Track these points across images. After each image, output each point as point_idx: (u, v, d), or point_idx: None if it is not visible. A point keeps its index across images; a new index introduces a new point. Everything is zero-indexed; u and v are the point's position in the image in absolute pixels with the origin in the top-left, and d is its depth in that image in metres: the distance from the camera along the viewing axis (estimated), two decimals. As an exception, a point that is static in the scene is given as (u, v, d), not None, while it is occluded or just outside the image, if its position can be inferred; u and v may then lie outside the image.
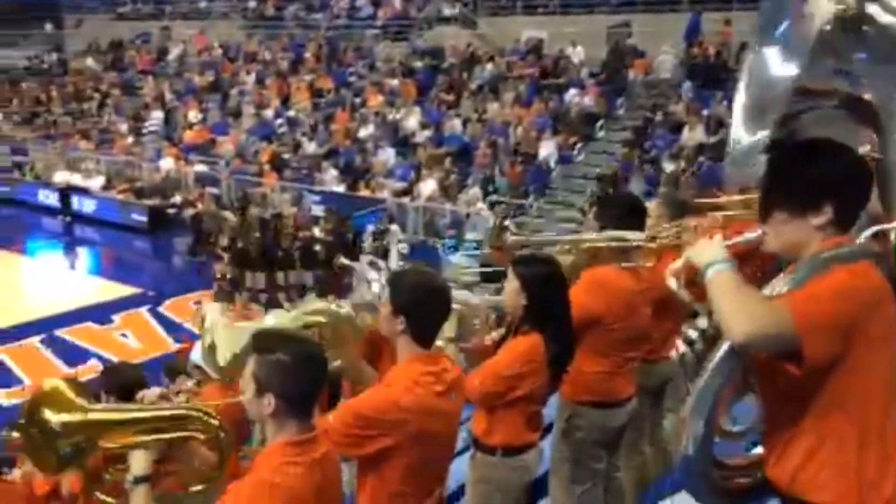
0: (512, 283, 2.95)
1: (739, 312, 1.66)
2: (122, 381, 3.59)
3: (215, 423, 2.21)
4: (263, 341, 2.13)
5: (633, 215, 3.33)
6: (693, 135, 13.67)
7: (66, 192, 18.10)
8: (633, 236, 3.19)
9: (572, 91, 16.21)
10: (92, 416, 2.15)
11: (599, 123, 15.55)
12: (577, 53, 17.22)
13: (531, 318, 2.93)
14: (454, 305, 2.90)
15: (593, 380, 3.23)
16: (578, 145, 15.21)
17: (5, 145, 21.56)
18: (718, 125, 13.18)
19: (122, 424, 2.19)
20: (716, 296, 1.71)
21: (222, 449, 2.23)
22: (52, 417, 2.11)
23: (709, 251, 1.79)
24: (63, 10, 28.99)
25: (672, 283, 1.90)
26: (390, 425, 2.32)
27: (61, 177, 18.25)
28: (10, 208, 19.21)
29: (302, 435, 2.07)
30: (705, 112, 14.19)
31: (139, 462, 2.12)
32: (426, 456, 2.42)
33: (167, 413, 2.23)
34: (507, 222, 3.69)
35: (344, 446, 2.34)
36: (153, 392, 3.11)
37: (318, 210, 14.61)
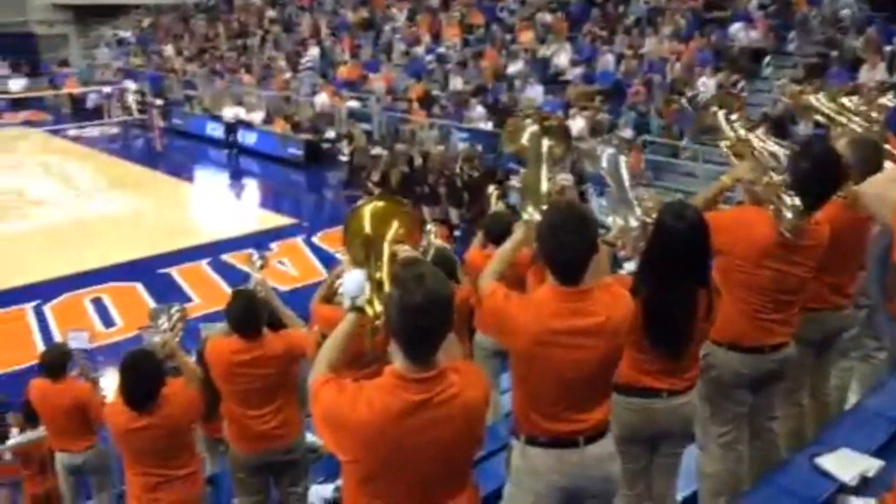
0: (649, 225, 2.85)
1: None
2: (234, 309, 3.99)
3: (372, 313, 2.38)
4: (402, 269, 2.18)
5: (821, 178, 2.96)
6: (873, 74, 12.46)
7: (233, 126, 19.04)
8: (788, 202, 2.92)
9: (737, 24, 15.15)
10: (379, 242, 2.45)
11: (766, 60, 14.49)
12: (745, -17, 16.02)
13: (639, 267, 2.84)
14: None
15: (728, 319, 3.04)
16: (741, 83, 14.27)
17: (178, 80, 23.09)
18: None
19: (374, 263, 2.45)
20: None
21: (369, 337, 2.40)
22: (365, 226, 2.48)
23: None
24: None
25: None
26: (506, 330, 2.47)
27: (230, 112, 19.13)
28: (182, 139, 20.64)
29: (408, 372, 2.09)
30: (888, 49, 12.87)
31: (361, 297, 2.38)
32: (539, 378, 2.48)
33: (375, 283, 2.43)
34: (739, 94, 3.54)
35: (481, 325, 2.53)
36: None
37: (463, 147, 14.67)
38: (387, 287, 2.32)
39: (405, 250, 2.41)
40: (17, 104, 23.68)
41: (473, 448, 2.30)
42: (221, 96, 21.06)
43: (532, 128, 2.87)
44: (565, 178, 2.90)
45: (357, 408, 2.06)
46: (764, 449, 3.38)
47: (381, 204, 2.54)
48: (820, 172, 2.97)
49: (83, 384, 5.39)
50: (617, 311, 2.49)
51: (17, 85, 23.40)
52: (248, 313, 3.98)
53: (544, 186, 2.80)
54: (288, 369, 4.11)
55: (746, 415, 3.25)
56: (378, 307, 2.34)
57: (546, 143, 2.84)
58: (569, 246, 2.40)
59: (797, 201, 2.92)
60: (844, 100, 3.95)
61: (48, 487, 5.91)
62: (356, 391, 2.11)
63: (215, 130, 19.96)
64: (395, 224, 2.47)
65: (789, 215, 2.91)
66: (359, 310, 2.36)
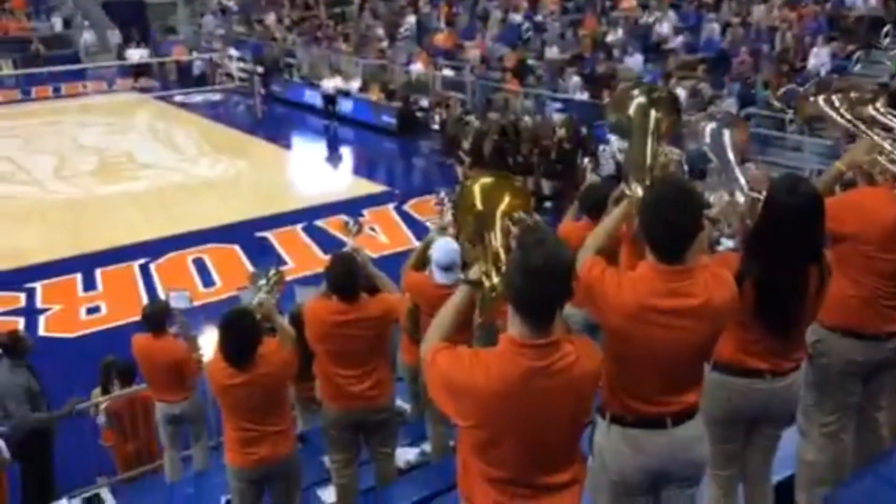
0: (757, 201, 2.73)
1: None
2: (334, 272, 4.08)
3: (490, 283, 2.34)
4: (525, 234, 2.20)
5: None
6: None
7: (332, 97, 19.16)
8: None
9: (856, -9, 14.28)
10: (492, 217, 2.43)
11: (885, 30, 13.59)
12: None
13: (745, 242, 2.71)
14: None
15: (845, 305, 2.91)
16: (857, 55, 13.45)
17: (279, 48, 23.59)
18: None
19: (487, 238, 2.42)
20: None
21: (483, 306, 2.39)
22: (477, 202, 2.46)
23: None
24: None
25: None
26: (599, 305, 2.39)
27: (329, 83, 19.21)
28: (282, 107, 21.14)
29: (526, 338, 2.08)
30: None
31: (475, 271, 2.38)
32: (630, 357, 2.42)
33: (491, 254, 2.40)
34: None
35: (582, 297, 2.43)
36: None
37: (558, 117, 14.44)
38: (503, 259, 2.32)
39: (520, 218, 2.38)
40: (129, 71, 24.72)
41: (585, 419, 2.29)
42: (320, 65, 21.42)
43: (640, 98, 2.77)
44: (673, 153, 2.77)
45: (475, 373, 2.08)
46: (867, 439, 3.25)
47: (489, 180, 2.52)
48: None
49: (180, 343, 5.64)
50: (718, 295, 2.39)
51: (135, 55, 24.28)
52: (348, 276, 4.07)
53: (649, 160, 2.70)
54: (383, 332, 4.24)
55: (855, 405, 3.10)
56: (495, 279, 2.33)
57: (654, 115, 2.73)
58: (673, 223, 2.31)
59: None
60: None
61: (139, 446, 6.20)
62: (473, 357, 2.13)
63: (313, 98, 20.33)
64: (507, 197, 2.44)
65: None
66: (473, 283, 2.36)
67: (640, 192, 2.60)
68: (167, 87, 23.70)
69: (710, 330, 2.44)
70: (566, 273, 2.07)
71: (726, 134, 3.01)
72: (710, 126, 3.05)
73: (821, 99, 3.36)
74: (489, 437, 2.14)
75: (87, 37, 26.31)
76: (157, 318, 5.58)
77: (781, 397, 2.86)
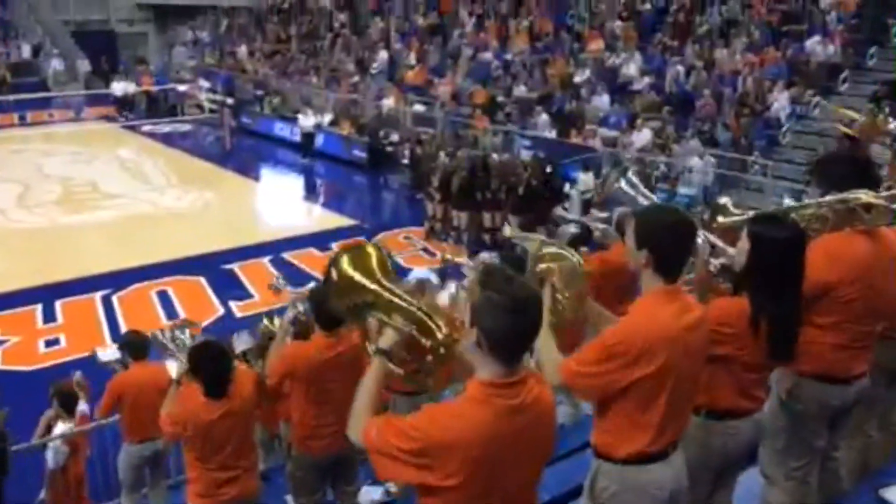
0: (742, 242, 2.74)
1: None
2: (325, 305, 3.90)
3: (440, 338, 2.26)
4: (487, 276, 2.13)
5: (857, 172, 2.97)
6: (959, 91, 11.95)
7: (311, 134, 18.71)
8: (863, 195, 2.85)
9: (815, 38, 14.72)
10: (372, 286, 2.32)
11: (844, 75, 14.04)
12: (825, -4, 15.57)
13: (746, 284, 2.73)
14: None
15: (821, 351, 2.96)
16: (816, 99, 13.86)
17: (249, 80, 23.64)
18: None
19: (390, 304, 2.32)
20: None
21: (435, 363, 2.30)
22: (348, 271, 2.33)
23: None
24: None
25: None
26: (637, 354, 2.34)
27: (307, 120, 18.74)
28: (252, 139, 21.11)
29: (500, 378, 2.04)
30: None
31: (387, 338, 2.29)
32: (675, 388, 2.40)
33: (419, 315, 2.30)
34: (724, 200, 3.42)
35: (598, 388, 2.40)
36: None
37: (527, 155, 14.61)
38: (431, 318, 2.27)
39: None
40: (95, 100, 24.53)
41: (552, 452, 2.28)
42: (291, 98, 21.48)
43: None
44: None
45: (450, 426, 2.00)
46: (828, 480, 3.27)
47: (346, 254, 2.36)
48: (850, 170, 2.97)
49: (165, 369, 5.47)
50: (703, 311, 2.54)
51: (119, 89, 23.94)
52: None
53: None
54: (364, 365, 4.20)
55: (822, 448, 3.15)
56: (440, 332, 2.25)
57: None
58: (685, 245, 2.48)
59: (867, 191, 2.87)
60: None
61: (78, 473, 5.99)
62: (437, 412, 2.06)
63: (283, 131, 20.34)
64: (373, 258, 2.35)
65: (875, 200, 2.86)
66: (384, 353, 2.28)
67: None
68: (136, 117, 23.54)
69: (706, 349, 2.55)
70: (540, 307, 2.09)
71: (630, 178, 3.15)
72: (619, 183, 3.19)
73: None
74: (475, 489, 2.05)
75: (56, 65, 26.14)
76: (141, 345, 5.45)
77: (759, 433, 2.94)
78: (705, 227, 3.21)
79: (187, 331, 4.84)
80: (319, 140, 19.04)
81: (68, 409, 5.91)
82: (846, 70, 14.10)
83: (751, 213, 3.22)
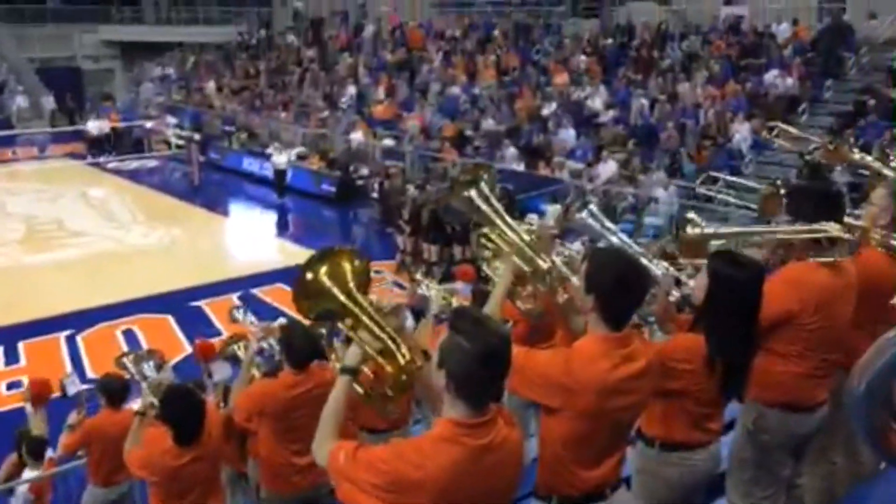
0: (702, 278, 2.78)
1: None
2: (297, 342, 3.97)
3: (402, 364, 2.24)
4: (458, 319, 2.11)
5: (829, 206, 3.04)
6: (912, 122, 12.33)
7: (284, 171, 18.32)
8: (831, 228, 2.92)
9: (773, 72, 15.14)
10: (341, 297, 2.29)
11: (802, 107, 14.42)
12: (781, 31, 16.04)
13: (704, 320, 2.76)
14: None
15: (783, 380, 3.01)
16: (776, 130, 14.17)
17: (217, 115, 23.61)
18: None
19: (357, 320, 2.30)
20: None
21: (395, 390, 2.28)
22: (321, 277, 2.31)
23: None
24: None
25: None
26: (560, 389, 2.36)
27: (280, 158, 18.31)
28: (219, 174, 21.01)
29: (469, 418, 2.04)
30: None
31: (353, 356, 2.27)
32: (597, 430, 2.41)
33: (383, 337, 2.28)
34: (691, 215, 3.49)
35: (519, 385, 2.42)
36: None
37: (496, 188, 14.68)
38: (402, 341, 2.26)
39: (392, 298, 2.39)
40: (61, 137, 24.27)
41: (517, 490, 2.27)
42: (260, 133, 21.47)
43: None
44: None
45: (419, 464, 1.99)
46: (792, 507, 3.30)
47: (320, 260, 2.37)
48: (823, 204, 3.03)
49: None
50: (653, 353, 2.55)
51: (95, 128, 23.68)
52: (311, 346, 4.02)
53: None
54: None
55: (787, 477, 3.19)
56: (402, 359, 2.24)
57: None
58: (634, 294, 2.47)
59: (835, 225, 2.93)
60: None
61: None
62: (406, 448, 2.06)
63: (252, 165, 20.30)
64: (347, 267, 2.35)
65: (844, 235, 2.94)
66: (351, 371, 2.27)
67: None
68: (101, 154, 23.33)
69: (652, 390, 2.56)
70: (509, 349, 2.08)
71: (592, 210, 3.23)
72: (581, 214, 3.26)
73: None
74: None
75: (20, 102, 25.86)
76: (119, 391, 5.33)
77: (716, 464, 2.96)
78: (670, 257, 3.27)
79: (152, 362, 4.77)
80: (288, 174, 18.98)
81: (35, 456, 5.78)
82: (804, 102, 14.48)
83: (717, 229, 3.32)
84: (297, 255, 14.43)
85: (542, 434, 2.51)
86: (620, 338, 2.43)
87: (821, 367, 3.08)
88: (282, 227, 17.52)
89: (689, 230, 3.24)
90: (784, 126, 4.02)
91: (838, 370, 3.14)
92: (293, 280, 2.38)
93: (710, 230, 3.24)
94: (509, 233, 2.82)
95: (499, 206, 2.86)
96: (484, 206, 2.85)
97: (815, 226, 2.96)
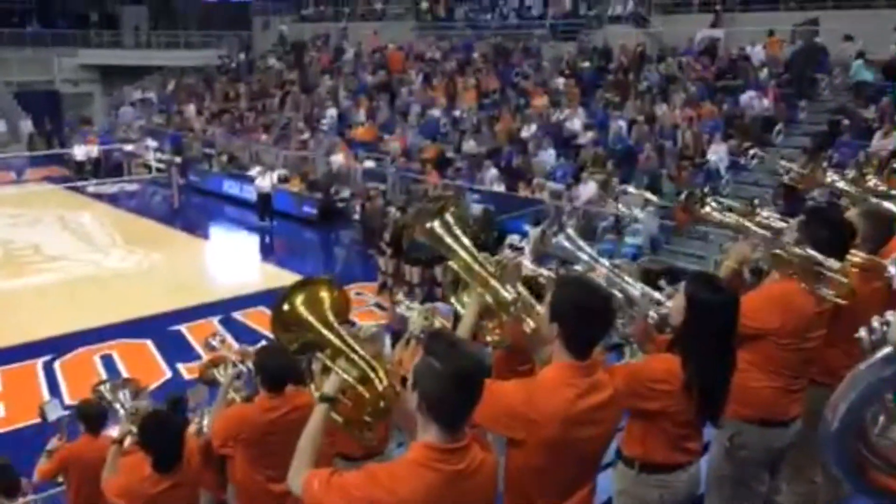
0: (679, 300, 2.79)
1: None
2: (272, 365, 3.93)
3: (380, 389, 2.24)
4: (432, 341, 2.12)
5: (841, 240, 3.07)
6: (885, 142, 12.54)
7: (268, 195, 18.06)
8: (835, 266, 2.97)
9: (749, 93, 15.36)
10: (318, 326, 2.31)
11: (777, 128, 14.64)
12: (756, 53, 16.31)
13: (681, 343, 2.77)
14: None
15: (760, 396, 3.04)
16: (752, 151, 14.37)
17: (197, 139, 23.55)
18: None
19: (335, 349, 2.30)
20: None
21: (374, 416, 2.29)
22: (298, 308, 2.31)
23: None
24: (252, 13, 31.23)
25: (893, 269, 1.79)
26: (523, 420, 2.34)
27: (264, 182, 18.10)
28: (200, 197, 20.92)
29: (443, 443, 2.03)
30: (900, 117, 13.02)
31: (331, 385, 2.26)
32: (562, 461, 2.40)
33: (361, 364, 2.28)
34: (707, 191, 3.54)
35: (481, 418, 2.38)
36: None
37: (477, 209, 14.76)
38: (381, 368, 2.27)
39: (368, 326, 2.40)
40: (38, 161, 24.10)
41: None
42: (240, 156, 21.44)
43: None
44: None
45: (393, 490, 1.98)
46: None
47: (299, 290, 2.38)
48: (837, 237, 3.05)
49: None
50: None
51: (81, 152, 23.37)
52: (286, 368, 3.97)
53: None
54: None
55: (764, 493, 3.20)
56: (380, 385, 2.24)
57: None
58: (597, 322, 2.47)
59: (838, 263, 2.96)
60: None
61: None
62: (381, 474, 2.04)
63: (232, 188, 20.24)
64: (325, 296, 2.36)
65: (842, 279, 2.96)
66: (329, 399, 2.27)
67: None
68: (80, 178, 23.18)
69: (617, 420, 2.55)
70: (485, 373, 2.09)
71: (568, 233, 3.27)
72: (558, 238, 3.30)
73: (712, 204, 3.59)
74: None
75: (-2, 126, 25.74)
76: (97, 418, 5.24)
77: (695, 485, 2.95)
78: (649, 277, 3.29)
79: (127, 391, 4.73)
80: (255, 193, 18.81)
81: (10, 493, 5.67)
82: (780, 123, 14.70)
83: (728, 217, 3.38)
84: (279, 277, 14.39)
85: (508, 466, 2.46)
86: (585, 366, 2.42)
87: (795, 383, 3.12)
88: (263, 250, 17.44)
89: (701, 208, 3.29)
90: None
91: (811, 385, 3.18)
92: (271, 313, 2.38)
93: (717, 214, 3.31)
94: (474, 265, 2.79)
95: (463, 237, 2.82)
96: (447, 239, 2.82)
97: (822, 259, 2.98)
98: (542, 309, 2.64)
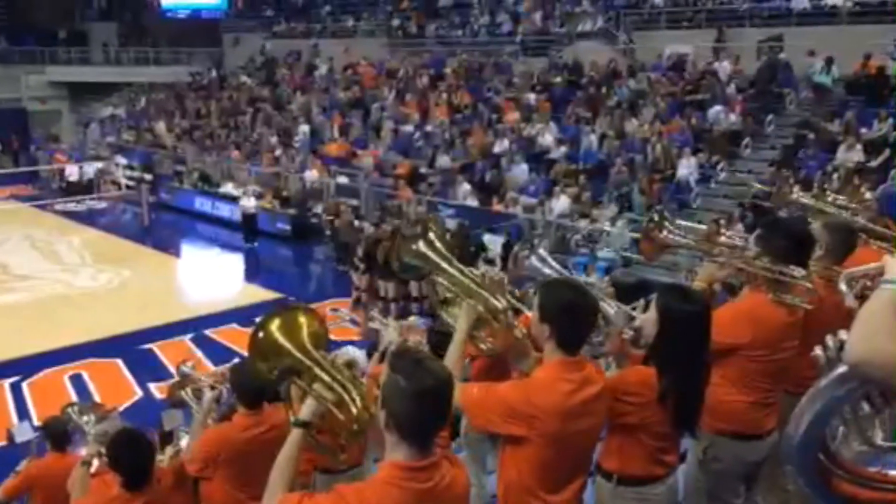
0: (651, 314, 2.82)
1: (866, 334, 1.53)
2: (247, 382, 3.87)
3: (354, 413, 2.25)
4: (397, 358, 2.12)
5: (799, 248, 3.13)
6: (850, 155, 12.81)
7: (253, 215, 17.73)
8: (798, 274, 3.03)
9: (717, 108, 15.61)
10: (296, 352, 2.32)
11: (745, 142, 14.89)
12: (723, 69, 16.60)
13: (654, 355, 2.79)
14: None
15: (733, 409, 3.08)
16: (721, 164, 14.62)
17: (168, 155, 23.36)
18: (882, 146, 12.29)
19: (312, 374, 2.31)
20: (865, 308, 1.58)
21: (348, 438, 2.31)
22: (274, 334, 2.32)
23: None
24: (222, 30, 31.11)
25: (843, 286, 1.82)
26: (524, 417, 2.46)
27: (249, 201, 17.82)
28: (170, 214, 20.72)
29: (412, 461, 2.02)
30: (863, 130, 13.30)
31: (308, 410, 2.27)
32: (562, 454, 2.52)
33: (336, 388, 2.28)
34: (667, 214, 3.57)
35: (482, 421, 2.59)
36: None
37: (451, 223, 14.80)
38: (355, 391, 2.28)
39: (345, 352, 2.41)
40: (5, 179, 23.70)
41: None
42: (211, 171, 21.29)
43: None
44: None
45: None
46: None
47: (277, 318, 2.39)
48: (794, 246, 3.11)
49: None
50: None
51: (74, 173, 22.84)
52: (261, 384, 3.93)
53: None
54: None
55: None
56: (355, 408, 2.24)
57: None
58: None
59: (802, 271, 3.01)
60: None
61: None
62: (350, 494, 2.03)
63: (204, 205, 20.08)
64: (303, 322, 2.38)
65: (808, 284, 3.03)
66: (305, 424, 2.27)
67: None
68: (49, 196, 22.86)
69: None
70: (451, 390, 2.09)
71: (539, 253, 3.34)
72: (530, 259, 3.35)
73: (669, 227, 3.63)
74: None
75: (-36, 143, 25.30)
76: (62, 435, 5.18)
77: (674, 494, 2.99)
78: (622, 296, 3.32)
79: (93, 415, 4.68)
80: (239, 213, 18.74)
81: None
82: (747, 137, 14.95)
83: (688, 238, 3.41)
84: (252, 294, 14.30)
85: (505, 464, 2.58)
86: (576, 362, 2.57)
87: (769, 396, 3.15)
88: (235, 267, 17.30)
89: (659, 232, 3.32)
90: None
91: (784, 395, 3.23)
92: (249, 342, 2.38)
93: (680, 237, 3.34)
94: (462, 278, 2.88)
95: (447, 252, 2.92)
96: (433, 256, 2.92)
97: (784, 268, 3.03)
98: (529, 312, 2.73)
